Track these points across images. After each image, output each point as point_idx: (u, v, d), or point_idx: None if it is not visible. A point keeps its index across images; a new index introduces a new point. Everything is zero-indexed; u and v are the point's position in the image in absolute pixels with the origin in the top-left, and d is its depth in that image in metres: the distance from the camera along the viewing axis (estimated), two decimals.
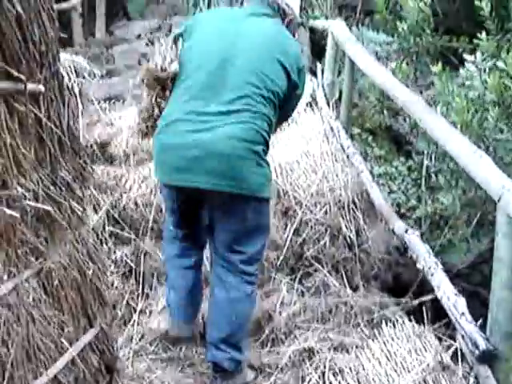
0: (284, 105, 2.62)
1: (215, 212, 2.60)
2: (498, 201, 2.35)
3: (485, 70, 3.74)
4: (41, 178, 1.83)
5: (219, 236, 2.63)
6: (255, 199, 2.51)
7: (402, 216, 4.65)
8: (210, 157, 2.37)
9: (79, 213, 2.31)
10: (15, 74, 1.66)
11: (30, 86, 1.73)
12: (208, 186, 2.42)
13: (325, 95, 5.06)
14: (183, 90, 2.51)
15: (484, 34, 4.03)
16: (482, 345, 2.40)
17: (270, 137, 2.55)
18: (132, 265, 3.57)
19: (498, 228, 2.39)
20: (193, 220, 2.78)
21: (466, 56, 3.75)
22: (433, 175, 4.54)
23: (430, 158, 4.63)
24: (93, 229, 3.63)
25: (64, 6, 6.84)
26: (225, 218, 2.55)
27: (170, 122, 2.50)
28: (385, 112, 5.33)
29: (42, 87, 1.80)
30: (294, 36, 2.80)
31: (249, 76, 2.44)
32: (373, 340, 2.90)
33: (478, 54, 3.70)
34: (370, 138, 5.33)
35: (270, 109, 2.49)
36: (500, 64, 3.55)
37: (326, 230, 3.73)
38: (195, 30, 2.62)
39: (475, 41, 4.07)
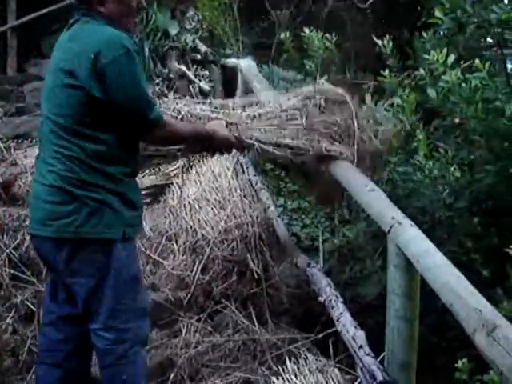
0: (119, 122, 2.33)
1: (59, 268, 2.43)
2: (388, 232, 2.39)
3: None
4: None
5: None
6: (97, 242, 2.34)
7: (316, 249, 4.70)
8: (36, 204, 2.43)
9: None
10: None
11: None
12: (34, 231, 2.44)
13: None
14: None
15: (387, 71, 4.20)
16: (379, 376, 2.41)
17: (90, 174, 2.33)
18: (34, 308, 3.45)
19: (389, 259, 2.42)
20: None
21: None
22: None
23: None
24: None
25: None
26: (69, 270, 2.39)
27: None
28: None
29: None
30: (120, 23, 2.40)
31: (47, 123, 2.40)
32: (277, 377, 2.87)
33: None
34: (284, 173, 5.38)
35: (77, 146, 2.31)
36: (397, 100, 3.70)
37: (234, 267, 3.71)
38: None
39: (379, 78, 4.23)
